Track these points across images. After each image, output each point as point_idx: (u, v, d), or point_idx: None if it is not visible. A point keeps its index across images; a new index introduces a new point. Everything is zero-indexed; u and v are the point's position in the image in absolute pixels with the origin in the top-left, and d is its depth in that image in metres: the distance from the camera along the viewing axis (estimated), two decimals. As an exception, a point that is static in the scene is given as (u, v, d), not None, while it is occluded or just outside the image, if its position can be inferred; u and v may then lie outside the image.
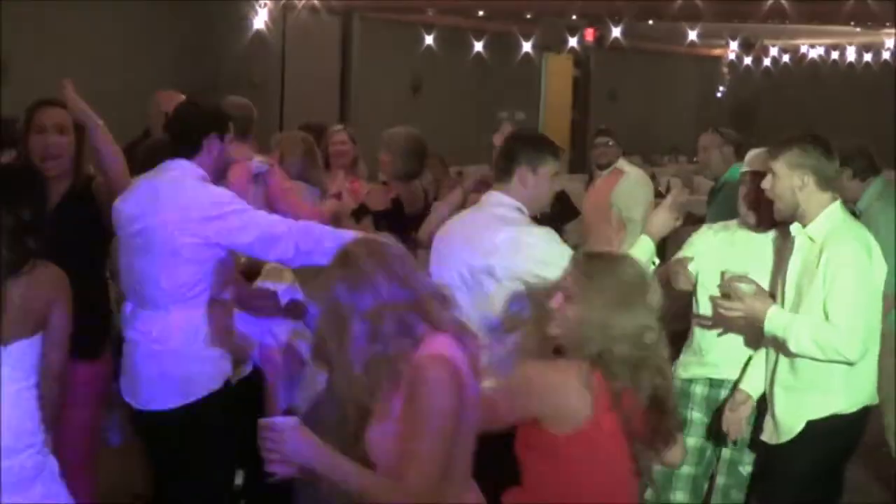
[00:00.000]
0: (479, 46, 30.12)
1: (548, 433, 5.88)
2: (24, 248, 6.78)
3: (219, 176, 7.92)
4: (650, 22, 27.96)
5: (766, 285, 8.30)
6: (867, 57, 33.73)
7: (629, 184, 13.43)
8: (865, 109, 33.39)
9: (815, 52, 34.17)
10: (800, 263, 8.00)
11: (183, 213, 7.46)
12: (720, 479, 9.05)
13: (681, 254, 9.11)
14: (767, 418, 8.20)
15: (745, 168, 8.98)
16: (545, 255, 7.60)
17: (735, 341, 8.77)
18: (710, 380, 8.96)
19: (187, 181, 7.62)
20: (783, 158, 7.92)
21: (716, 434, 8.88)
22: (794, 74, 35.87)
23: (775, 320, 7.75)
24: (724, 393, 8.84)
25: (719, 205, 11.96)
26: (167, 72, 19.99)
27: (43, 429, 6.93)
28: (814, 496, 8.15)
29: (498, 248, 7.72)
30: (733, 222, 9.04)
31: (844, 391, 7.94)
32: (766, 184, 8.01)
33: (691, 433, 8.87)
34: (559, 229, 9.58)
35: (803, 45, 33.64)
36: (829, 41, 32.72)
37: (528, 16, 28.12)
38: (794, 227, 7.93)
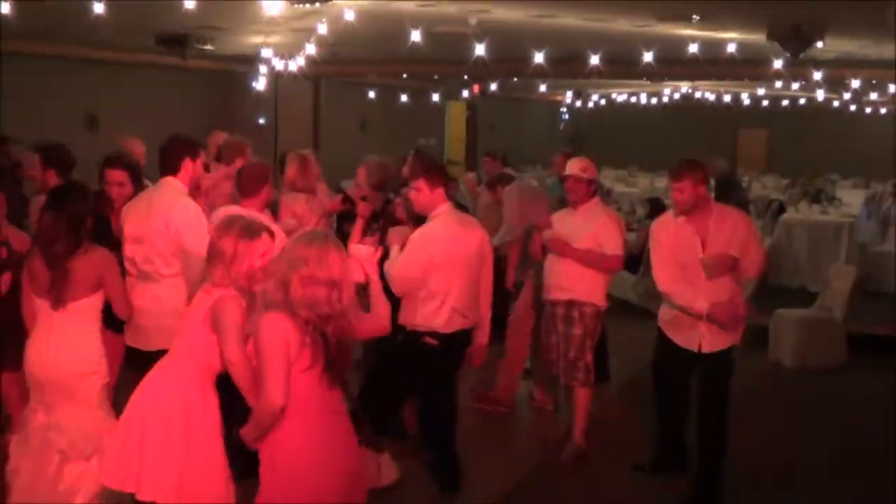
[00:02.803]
0: (404, 97, 29.99)
1: None
2: (78, 237, 6.89)
3: (193, 187, 7.84)
4: (515, 79, 27.90)
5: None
6: (653, 101, 33.78)
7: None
8: (652, 134, 33.71)
9: (621, 98, 34.12)
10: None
11: (165, 217, 7.39)
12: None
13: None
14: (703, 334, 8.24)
15: (567, 173, 9.37)
16: None
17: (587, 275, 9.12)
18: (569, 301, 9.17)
19: (171, 194, 7.55)
20: (689, 178, 8.12)
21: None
22: (607, 112, 35.88)
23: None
24: (574, 311, 9.15)
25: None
26: (204, 121, 19.80)
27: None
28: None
29: None
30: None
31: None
32: (679, 195, 8.18)
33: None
34: None
35: (614, 93, 33.61)
36: (629, 90, 32.71)
37: (436, 77, 27.97)
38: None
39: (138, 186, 8.40)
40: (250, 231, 5.92)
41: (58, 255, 6.84)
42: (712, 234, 8.11)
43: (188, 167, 7.62)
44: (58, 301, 6.88)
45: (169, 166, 7.62)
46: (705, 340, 8.18)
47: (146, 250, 7.43)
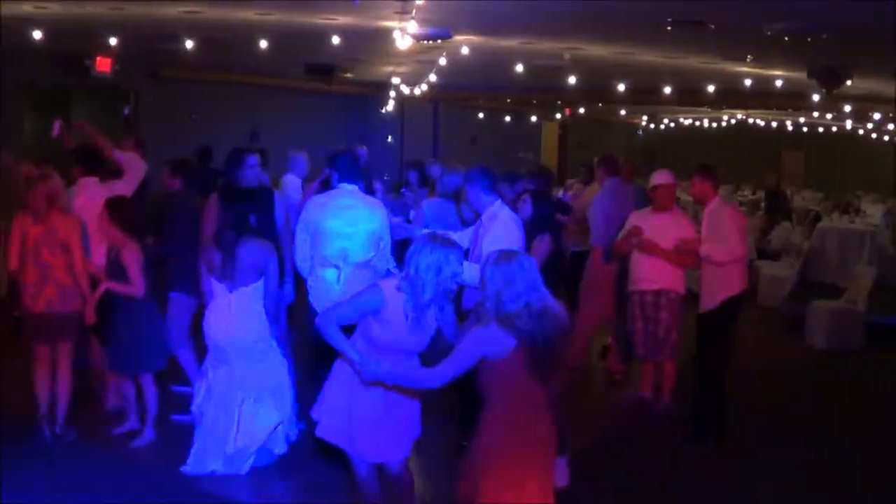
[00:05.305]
0: (507, 118, 30.03)
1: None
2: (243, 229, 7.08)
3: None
4: (600, 104, 27.77)
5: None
6: (713, 125, 33.39)
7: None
8: (711, 152, 33.14)
9: (687, 122, 33.76)
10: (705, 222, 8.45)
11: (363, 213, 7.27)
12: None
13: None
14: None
15: (656, 183, 9.11)
16: None
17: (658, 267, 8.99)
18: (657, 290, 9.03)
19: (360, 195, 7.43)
20: (698, 176, 8.48)
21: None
22: (675, 133, 35.41)
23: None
24: (650, 297, 9.05)
25: None
26: (341, 137, 19.85)
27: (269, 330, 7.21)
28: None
29: None
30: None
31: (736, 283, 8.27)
32: (692, 189, 8.65)
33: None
34: None
35: (681, 117, 33.27)
36: (694, 115, 32.35)
37: (534, 101, 27.92)
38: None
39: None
40: None
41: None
42: None
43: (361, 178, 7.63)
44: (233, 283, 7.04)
45: (349, 175, 7.43)
46: None
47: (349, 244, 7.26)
